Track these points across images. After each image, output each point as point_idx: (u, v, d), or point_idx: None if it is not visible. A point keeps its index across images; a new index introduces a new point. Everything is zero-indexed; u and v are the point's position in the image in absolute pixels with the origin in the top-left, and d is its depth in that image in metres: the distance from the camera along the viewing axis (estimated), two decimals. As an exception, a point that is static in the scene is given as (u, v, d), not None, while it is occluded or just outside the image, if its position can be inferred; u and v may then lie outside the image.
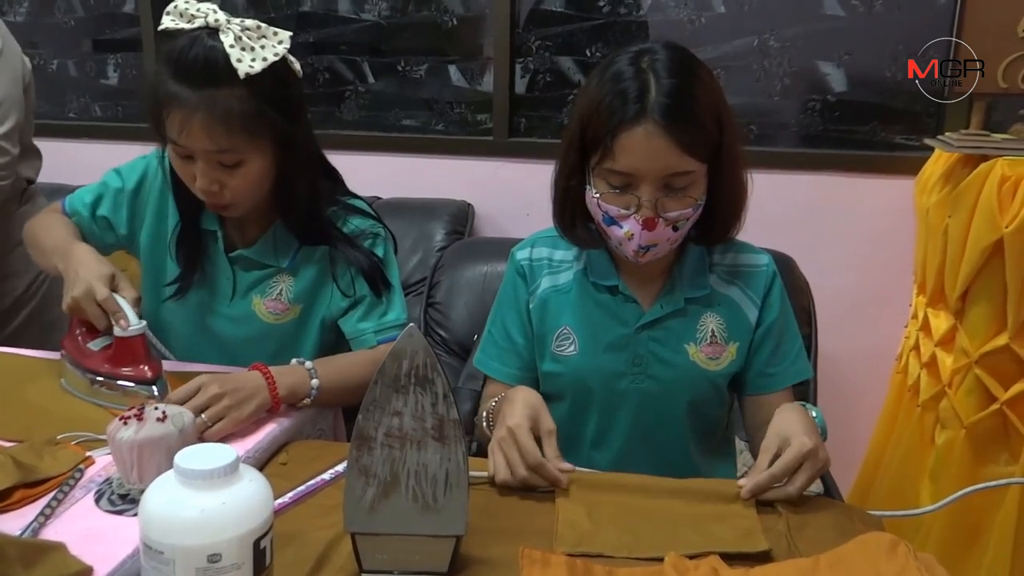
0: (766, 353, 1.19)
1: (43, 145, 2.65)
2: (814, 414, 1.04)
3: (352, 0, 2.39)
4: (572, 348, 1.18)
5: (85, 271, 1.14)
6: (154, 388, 1.13)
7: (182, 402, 1.02)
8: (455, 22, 2.34)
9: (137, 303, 1.15)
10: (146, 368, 1.13)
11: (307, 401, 1.17)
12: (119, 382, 1.14)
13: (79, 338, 1.20)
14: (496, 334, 1.26)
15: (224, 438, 1.02)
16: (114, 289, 1.14)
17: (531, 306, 1.21)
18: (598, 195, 1.07)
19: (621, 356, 1.16)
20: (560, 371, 1.19)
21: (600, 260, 1.18)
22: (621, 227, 1.06)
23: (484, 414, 1.14)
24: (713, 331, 1.17)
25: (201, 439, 1.02)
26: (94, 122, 2.69)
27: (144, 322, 1.14)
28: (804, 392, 1.70)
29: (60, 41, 2.68)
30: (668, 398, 1.17)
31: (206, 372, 1.21)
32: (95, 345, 1.18)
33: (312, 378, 1.17)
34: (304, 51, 2.44)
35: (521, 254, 1.25)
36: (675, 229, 1.07)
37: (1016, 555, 1.62)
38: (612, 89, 1.03)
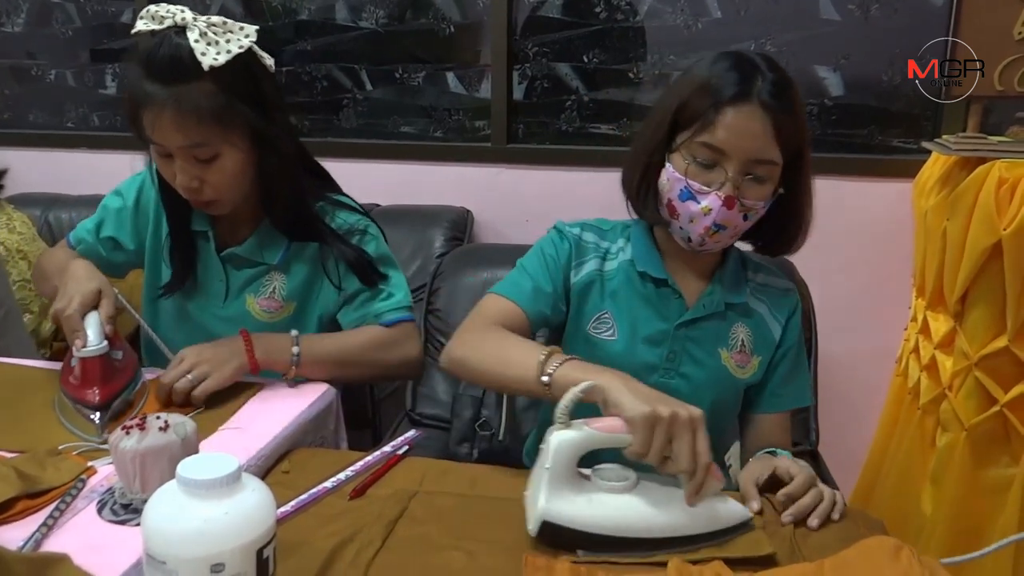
0: (782, 374, 1.22)
1: (41, 155, 2.68)
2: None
3: (350, 8, 2.39)
4: (610, 332, 1.18)
5: (73, 285, 1.16)
6: (96, 415, 1.07)
7: (170, 377, 1.11)
8: (452, 29, 2.35)
9: (110, 320, 1.14)
10: (96, 391, 1.09)
11: (293, 370, 1.21)
12: (72, 402, 1.11)
13: (70, 352, 1.17)
14: (532, 273, 1.20)
15: (226, 444, 1.02)
16: (95, 305, 1.14)
17: (573, 281, 1.20)
18: (686, 166, 1.09)
19: (657, 351, 1.17)
20: (594, 353, 1.17)
21: (648, 253, 1.19)
22: (699, 202, 1.08)
23: (545, 358, 0.98)
24: (743, 341, 1.19)
25: (190, 400, 1.11)
26: (92, 132, 2.70)
27: (105, 343, 1.11)
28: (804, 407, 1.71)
29: (58, 51, 2.68)
30: (693, 398, 1.16)
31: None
32: (74, 361, 1.14)
33: (293, 344, 1.21)
34: (302, 59, 2.44)
35: (571, 229, 1.24)
36: (745, 218, 1.10)
37: (1018, 559, 1.62)
38: (722, 70, 1.07)
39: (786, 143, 1.06)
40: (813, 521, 0.92)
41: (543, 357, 0.99)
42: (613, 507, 0.88)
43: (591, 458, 0.92)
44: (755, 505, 0.94)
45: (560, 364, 0.97)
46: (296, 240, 1.31)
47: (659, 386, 1.15)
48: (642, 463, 0.88)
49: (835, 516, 0.94)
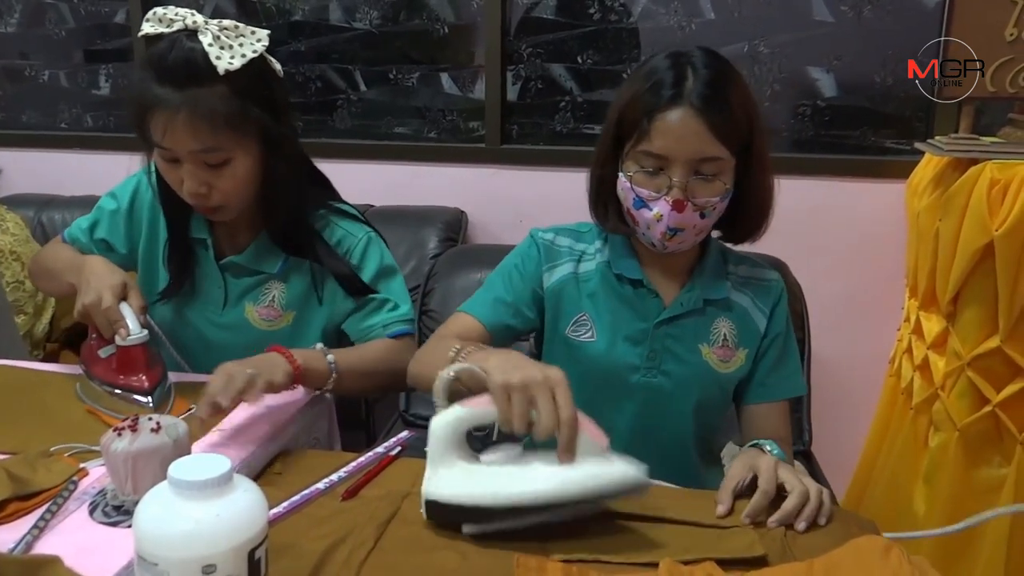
0: (768, 363, 1.22)
1: (35, 156, 2.67)
2: (768, 448, 1.05)
3: (344, 9, 2.40)
4: (589, 334, 1.18)
5: (96, 280, 1.17)
6: (149, 399, 1.14)
7: (217, 391, 1.02)
8: (446, 30, 2.35)
9: (143, 311, 1.17)
10: (144, 378, 1.15)
11: (332, 379, 1.19)
12: (117, 390, 1.16)
13: (92, 344, 1.22)
14: (495, 285, 1.22)
15: (218, 445, 1.02)
16: (124, 297, 1.16)
17: (546, 284, 1.21)
18: (630, 176, 1.10)
19: (637, 350, 1.18)
20: (574, 355, 1.19)
21: (625, 255, 1.20)
22: (651, 209, 1.09)
23: (455, 353, 0.99)
24: (725, 335, 1.19)
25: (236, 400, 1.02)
26: (86, 132, 2.69)
27: (146, 332, 1.15)
28: (797, 401, 1.72)
29: (51, 52, 2.68)
30: (677, 396, 1.18)
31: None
32: (104, 352, 1.20)
33: (326, 355, 1.19)
34: (296, 60, 2.44)
35: (543, 234, 1.25)
36: (702, 216, 1.10)
37: (1010, 559, 1.63)
38: (652, 78, 1.08)
39: (728, 138, 1.06)
40: (800, 524, 0.92)
41: (453, 353, 0.99)
42: (493, 479, 0.89)
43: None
44: (721, 509, 0.93)
45: (467, 355, 0.97)
46: (290, 255, 1.30)
47: (642, 385, 1.16)
48: (535, 439, 0.87)
49: (821, 521, 0.93)
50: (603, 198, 1.19)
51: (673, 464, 1.17)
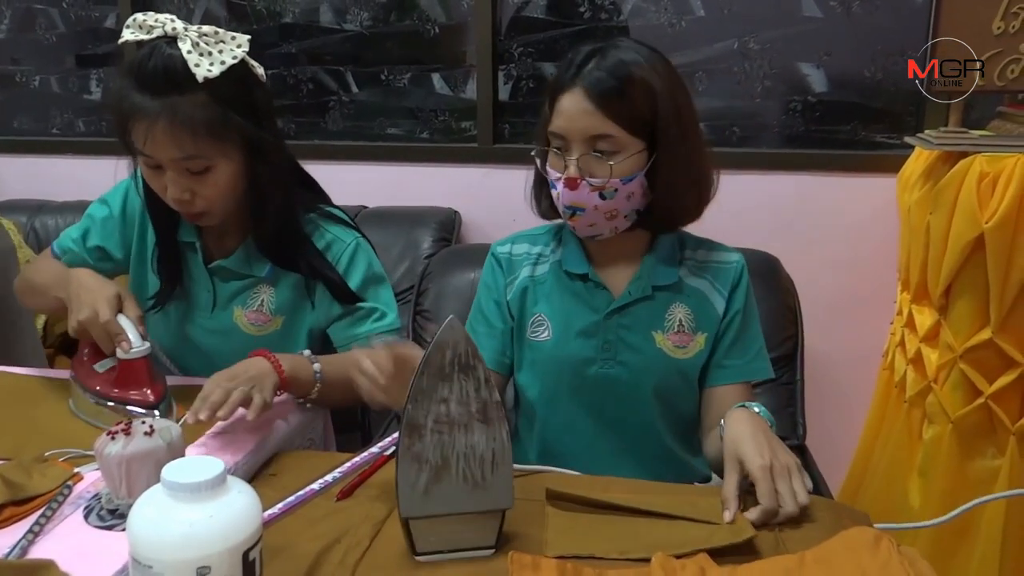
0: (727, 343, 1.21)
1: (27, 161, 2.67)
2: (757, 410, 1.06)
3: (334, 10, 2.39)
4: (546, 334, 1.21)
5: (89, 294, 1.14)
6: (156, 412, 1.11)
7: (216, 403, 1.02)
8: (437, 30, 2.35)
9: (141, 321, 1.15)
10: (149, 392, 1.12)
11: (316, 388, 1.18)
12: (122, 405, 1.12)
13: (86, 360, 1.19)
14: (475, 322, 1.29)
15: (215, 446, 1.02)
16: (120, 309, 1.14)
17: (509, 296, 1.25)
18: (545, 156, 1.16)
19: (591, 342, 1.19)
20: (534, 357, 1.23)
21: (573, 250, 1.23)
22: (556, 188, 1.14)
23: None
24: (681, 321, 1.20)
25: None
26: (77, 138, 2.69)
27: (147, 343, 1.13)
28: (790, 392, 1.72)
29: (42, 57, 2.67)
30: (635, 384, 1.19)
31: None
32: (101, 367, 1.17)
33: (313, 363, 1.19)
34: (287, 62, 2.44)
35: (501, 248, 1.30)
36: (602, 197, 1.11)
37: (1004, 552, 1.63)
38: (566, 63, 1.13)
39: (622, 117, 1.08)
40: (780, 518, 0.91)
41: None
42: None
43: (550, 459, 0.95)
44: (728, 516, 0.92)
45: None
46: (277, 264, 1.29)
47: (600, 377, 1.19)
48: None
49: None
50: (538, 183, 1.24)
51: (651, 455, 1.19)
